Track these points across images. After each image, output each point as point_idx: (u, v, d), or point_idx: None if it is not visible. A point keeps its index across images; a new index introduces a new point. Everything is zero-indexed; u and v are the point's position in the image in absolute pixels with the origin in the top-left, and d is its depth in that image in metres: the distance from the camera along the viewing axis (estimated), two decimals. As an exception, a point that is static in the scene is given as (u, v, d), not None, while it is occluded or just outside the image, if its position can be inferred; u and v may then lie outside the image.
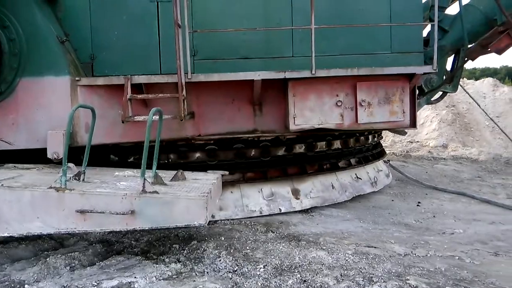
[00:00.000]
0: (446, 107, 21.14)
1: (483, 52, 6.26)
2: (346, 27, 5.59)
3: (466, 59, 6.45)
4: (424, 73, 5.58)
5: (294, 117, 5.49)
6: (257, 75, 5.24)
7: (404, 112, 5.61)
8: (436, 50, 5.38)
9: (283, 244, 4.73)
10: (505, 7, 5.98)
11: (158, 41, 5.62)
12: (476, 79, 26.39)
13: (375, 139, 7.52)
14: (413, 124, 5.79)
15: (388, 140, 11.96)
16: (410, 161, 9.55)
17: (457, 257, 4.53)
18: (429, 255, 4.58)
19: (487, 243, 5.03)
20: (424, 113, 20.77)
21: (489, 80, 24.19)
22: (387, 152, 10.34)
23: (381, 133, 7.91)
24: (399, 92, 5.58)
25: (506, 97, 22.63)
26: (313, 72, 5.26)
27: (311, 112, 5.53)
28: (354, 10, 5.83)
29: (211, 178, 4.70)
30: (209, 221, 5.44)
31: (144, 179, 3.87)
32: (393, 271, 4.14)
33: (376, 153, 7.47)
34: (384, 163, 8.03)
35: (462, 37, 6.09)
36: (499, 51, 6.05)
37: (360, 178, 6.75)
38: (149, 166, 4.25)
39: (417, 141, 12.04)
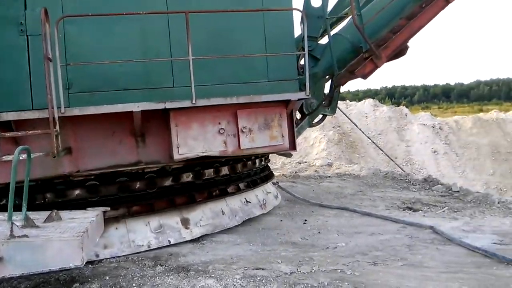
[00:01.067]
0: (333, 127, 22.57)
1: (351, 77, 6.80)
2: (224, 57, 5.76)
3: (334, 84, 6.95)
4: (299, 99, 5.91)
5: (177, 147, 5.50)
6: (136, 107, 5.18)
7: (283, 136, 5.88)
8: (308, 78, 5.75)
9: (172, 277, 4.65)
10: (369, 36, 6.59)
11: (29, 76, 5.35)
12: (360, 100, 28.54)
13: (262, 162, 7.76)
14: (292, 146, 6.08)
15: (278, 162, 12.41)
16: (299, 181, 9.96)
17: (339, 270, 4.77)
18: (313, 270, 4.77)
19: (367, 253, 5.36)
20: (313, 134, 21.97)
21: (369, 101, 26.30)
22: (278, 174, 10.71)
23: (268, 156, 8.17)
24: (277, 118, 5.84)
25: (386, 115, 24.75)
26: (194, 101, 5.33)
27: (194, 141, 5.58)
28: (231, 41, 6.07)
29: (90, 216, 4.51)
30: (94, 261, 5.22)
31: (12, 222, 3.61)
32: (279, 290, 4.26)
33: (264, 176, 7.68)
34: (273, 185, 8.28)
35: (333, 64, 6.58)
36: (364, 76, 6.61)
37: (249, 202, 6.89)
38: (20, 208, 3.99)
39: (305, 162, 12.62)
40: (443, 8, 6.66)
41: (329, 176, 10.42)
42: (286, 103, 5.92)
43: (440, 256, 5.23)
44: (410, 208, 7.68)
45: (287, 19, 6.30)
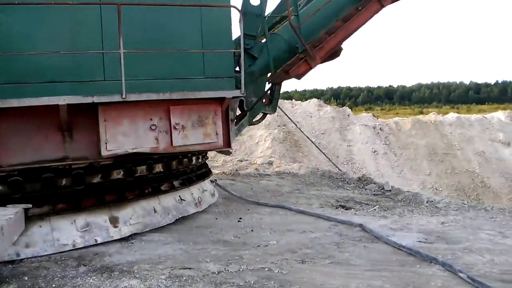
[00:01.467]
0: (278, 126, 22.75)
1: (286, 77, 6.85)
2: (156, 51, 5.65)
3: (271, 83, 6.98)
4: (234, 97, 5.89)
5: (106, 143, 5.34)
6: (62, 100, 4.98)
7: (217, 134, 5.84)
8: (243, 76, 5.74)
9: (94, 277, 4.51)
10: (306, 37, 6.65)
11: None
12: (306, 99, 28.98)
13: (199, 160, 7.68)
14: (227, 144, 6.05)
15: (220, 160, 12.37)
16: (239, 179, 9.96)
17: (267, 269, 4.79)
18: (241, 269, 4.77)
19: (296, 251, 5.42)
20: (259, 132, 22.08)
21: (314, 101, 26.71)
22: (218, 171, 10.67)
23: (206, 154, 8.10)
24: (212, 115, 5.80)
25: (329, 115, 25.21)
26: (124, 96, 5.19)
27: (124, 137, 5.43)
28: (167, 36, 5.97)
29: (8, 213, 4.30)
30: (14, 260, 4.97)
31: None
32: (205, 290, 4.23)
33: (200, 173, 7.61)
34: (210, 183, 8.22)
35: (269, 64, 6.60)
36: (298, 76, 6.67)
37: (184, 200, 6.79)
38: None
39: (247, 160, 12.66)
40: (377, 11, 6.85)
41: (268, 174, 10.50)
42: (221, 100, 5.89)
43: (367, 253, 5.37)
44: (343, 206, 7.85)
45: (224, 16, 6.25)
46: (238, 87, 6.31)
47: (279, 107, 9.74)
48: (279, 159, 16.23)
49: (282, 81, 7.06)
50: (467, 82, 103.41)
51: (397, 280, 4.49)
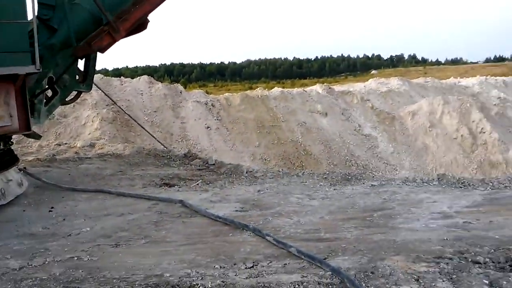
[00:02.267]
0: (106, 105, 21.60)
1: (89, 50, 6.38)
2: None
3: (74, 56, 6.44)
4: (28, 73, 5.29)
5: None
6: None
7: (11, 116, 5.22)
8: (37, 49, 5.18)
9: None
10: (111, 8, 6.25)
11: None
12: (139, 76, 27.96)
13: (1, 147, 6.82)
14: (24, 127, 5.45)
15: (34, 145, 11.23)
16: (55, 165, 9.15)
17: (76, 258, 4.51)
18: (47, 262, 4.42)
19: (111, 236, 5.19)
20: (85, 113, 20.70)
21: (145, 78, 25.91)
22: (32, 158, 9.69)
23: (9, 140, 7.22)
24: (3, 95, 5.13)
25: (161, 93, 24.76)
26: None
27: None
28: None
29: None
30: None
31: None
32: (0, 290, 3.79)
33: (3, 162, 6.77)
34: (18, 172, 7.40)
35: (70, 36, 6.07)
36: (102, 50, 6.29)
37: (-19, 193, 6.00)
38: None
39: (66, 143, 11.75)
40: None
41: (90, 158, 9.87)
42: (14, 78, 5.24)
43: (184, 229, 5.39)
44: (166, 184, 7.77)
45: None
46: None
47: (95, 85, 9.17)
48: (110, 141, 15.47)
49: (85, 54, 6.54)
50: (291, 58, 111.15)
51: (209, 251, 4.59)
